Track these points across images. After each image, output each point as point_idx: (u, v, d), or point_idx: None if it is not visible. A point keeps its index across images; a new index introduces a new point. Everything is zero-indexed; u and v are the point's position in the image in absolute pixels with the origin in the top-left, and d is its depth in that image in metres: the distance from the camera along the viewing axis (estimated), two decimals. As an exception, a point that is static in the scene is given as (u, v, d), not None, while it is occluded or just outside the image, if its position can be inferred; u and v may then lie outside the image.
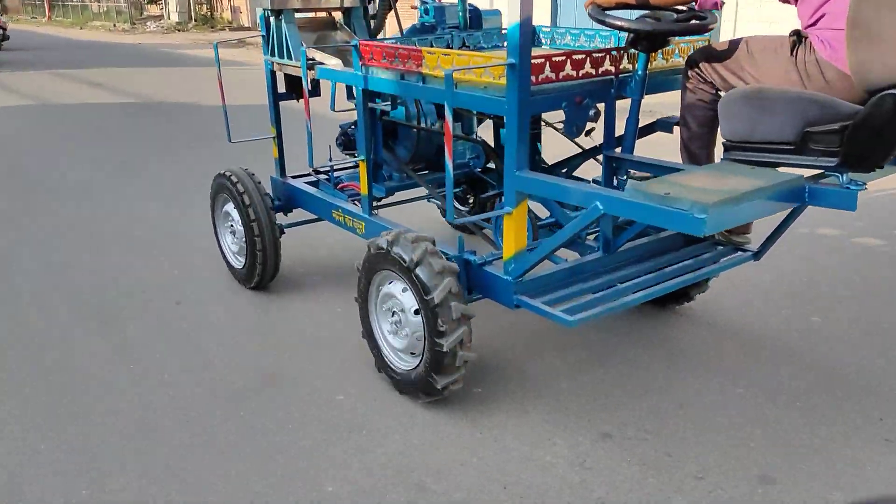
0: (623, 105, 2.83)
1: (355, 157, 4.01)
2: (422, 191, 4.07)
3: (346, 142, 4.04)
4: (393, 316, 2.95)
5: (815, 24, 2.51)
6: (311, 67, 3.52)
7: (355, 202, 3.71)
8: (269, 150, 4.09)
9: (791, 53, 2.54)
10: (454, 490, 2.46)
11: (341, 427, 2.82)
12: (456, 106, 2.63)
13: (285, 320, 3.76)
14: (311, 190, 3.92)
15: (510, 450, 2.65)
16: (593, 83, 2.74)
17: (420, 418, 2.86)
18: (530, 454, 2.62)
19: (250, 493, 2.47)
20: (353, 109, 3.82)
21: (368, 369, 3.16)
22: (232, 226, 4.10)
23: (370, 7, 4.00)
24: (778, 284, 3.98)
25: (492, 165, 3.94)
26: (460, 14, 3.88)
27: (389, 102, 3.50)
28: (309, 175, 4.02)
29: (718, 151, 2.72)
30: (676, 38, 2.87)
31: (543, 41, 3.82)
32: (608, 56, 2.74)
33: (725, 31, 10.40)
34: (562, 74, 2.64)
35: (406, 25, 4.01)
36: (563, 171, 3.54)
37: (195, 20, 27.65)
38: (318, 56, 3.53)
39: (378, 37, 4.10)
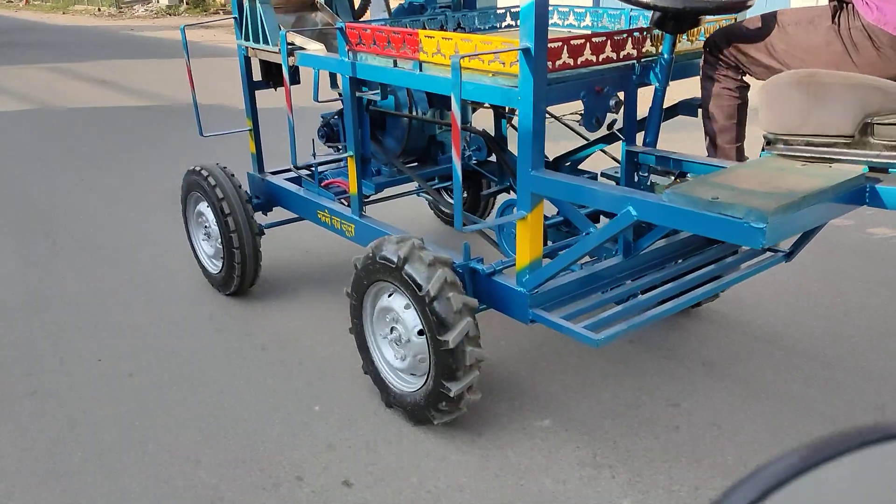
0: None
1: (339, 149, 3.68)
2: (410, 185, 3.75)
3: (330, 133, 3.71)
4: (392, 332, 2.65)
5: None
6: (290, 53, 3.18)
7: (342, 201, 3.39)
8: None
9: (832, 21, 2.25)
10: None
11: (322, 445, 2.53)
12: (463, 98, 2.31)
13: (267, 330, 3.44)
14: (293, 188, 3.59)
15: (512, 473, 2.38)
16: (615, 69, 2.44)
17: (406, 433, 2.57)
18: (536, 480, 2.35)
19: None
20: (338, 99, 3.49)
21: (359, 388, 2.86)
22: (206, 227, 3.76)
23: (354, -15, 3.66)
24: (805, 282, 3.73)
25: (493, 158, 3.62)
26: (453, -8, 3.56)
27: (379, 91, 3.17)
28: (290, 170, 3.68)
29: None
30: (707, 17, 2.57)
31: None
32: (630, 38, 2.44)
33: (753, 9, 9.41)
34: (580, 60, 2.33)
35: (392, 5, 3.68)
36: (567, 164, 3.24)
37: (187, 2, 24.52)
38: (299, 40, 3.18)
39: (362, 18, 3.76)
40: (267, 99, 3.89)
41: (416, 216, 4.71)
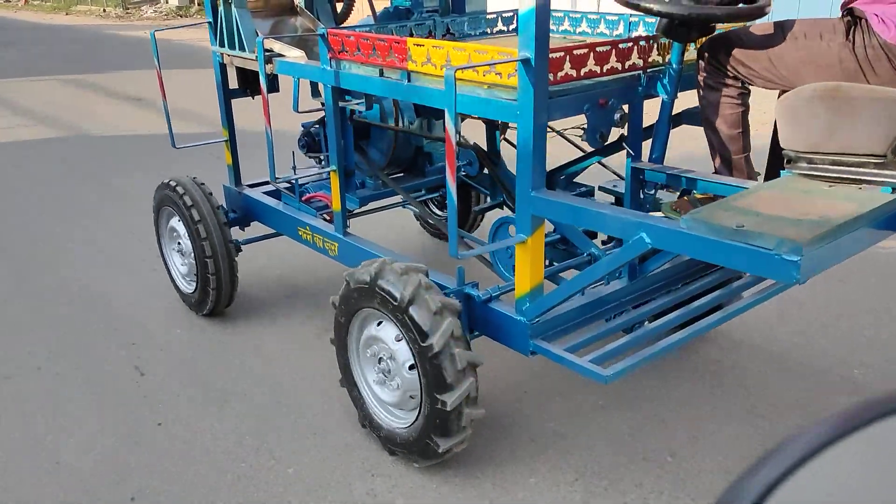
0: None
1: (321, 160, 3.48)
2: (396, 197, 3.55)
3: (311, 143, 3.50)
4: (381, 363, 2.45)
5: None
6: (268, 60, 2.97)
7: (325, 216, 3.19)
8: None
9: (846, 38, 2.09)
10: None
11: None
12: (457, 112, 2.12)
13: (244, 356, 3.23)
14: (272, 202, 3.38)
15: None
16: (620, 80, 2.26)
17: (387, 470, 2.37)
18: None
19: None
20: (320, 109, 3.29)
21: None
22: (179, 243, 3.54)
23: (336, -12, 3.46)
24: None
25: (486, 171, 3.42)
26: (440, -4, 3.37)
27: (363, 100, 2.98)
28: (269, 183, 3.46)
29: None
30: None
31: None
32: (636, 47, 2.26)
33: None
34: (583, 71, 2.15)
35: (377, 9, 3.47)
36: (562, 177, 3.04)
37: (199, 3, 21.83)
38: (277, 47, 2.98)
39: (345, 23, 3.56)
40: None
41: (402, 228, 4.51)
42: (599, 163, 2.90)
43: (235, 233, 3.51)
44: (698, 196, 2.34)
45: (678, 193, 2.50)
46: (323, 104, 3.10)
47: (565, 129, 2.77)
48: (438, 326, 2.17)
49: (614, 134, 2.37)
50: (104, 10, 23.55)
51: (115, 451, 2.62)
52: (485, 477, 2.42)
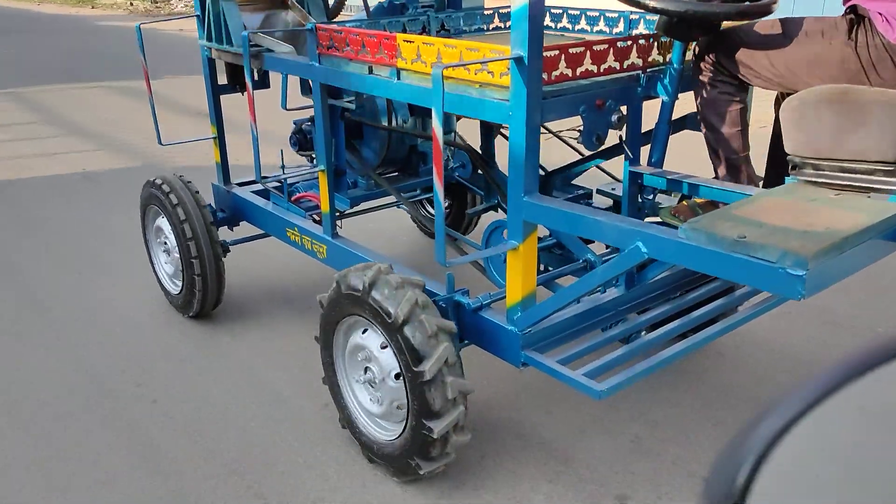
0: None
1: (313, 158, 3.38)
2: (389, 197, 3.44)
3: (303, 140, 3.40)
4: (367, 373, 2.36)
5: None
6: (256, 56, 2.88)
7: (314, 217, 3.09)
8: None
9: (849, 37, 1.99)
10: None
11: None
12: (445, 111, 2.03)
13: (230, 361, 3.14)
14: (261, 202, 3.28)
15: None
16: (618, 80, 2.16)
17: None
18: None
19: None
20: (310, 107, 3.19)
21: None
22: (165, 243, 3.45)
23: (328, -19, 3.36)
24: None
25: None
26: (436, -10, 3.27)
27: (353, 97, 2.88)
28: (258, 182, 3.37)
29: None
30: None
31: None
32: (635, 45, 2.16)
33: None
34: (580, 70, 2.05)
35: (371, 4, 3.37)
36: (559, 180, 2.94)
37: None
38: (265, 42, 2.88)
39: (338, 18, 3.46)
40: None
41: (398, 228, 4.42)
42: (597, 166, 2.81)
43: (225, 233, 3.42)
44: (699, 201, 2.24)
45: (678, 198, 2.41)
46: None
47: (560, 132, 2.67)
48: (433, 352, 2.07)
49: (612, 137, 2.28)
50: (132, 3, 21.80)
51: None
52: (474, 484, 2.33)
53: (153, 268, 3.61)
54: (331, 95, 2.76)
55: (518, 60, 1.84)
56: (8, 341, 3.33)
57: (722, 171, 2.30)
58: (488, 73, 1.99)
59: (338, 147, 3.00)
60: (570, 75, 2.03)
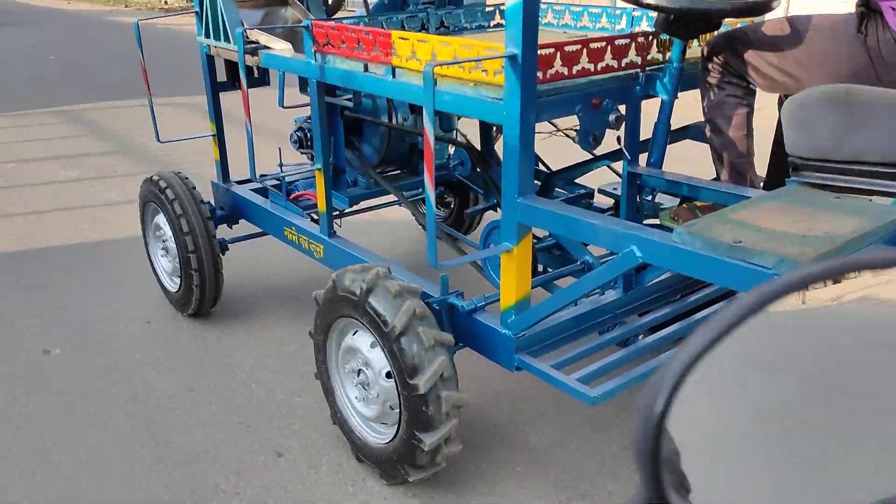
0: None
1: (313, 157, 3.34)
2: (390, 195, 3.40)
3: (303, 139, 3.37)
4: (360, 375, 2.33)
5: None
6: (253, 53, 2.85)
7: (313, 216, 3.06)
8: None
9: (858, 30, 1.94)
10: None
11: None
12: (437, 109, 1.99)
13: (228, 359, 3.12)
14: (259, 200, 3.25)
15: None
16: (615, 79, 2.12)
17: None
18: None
19: None
20: (307, 105, 3.16)
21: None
22: (164, 241, 3.43)
23: (328, -22, 3.32)
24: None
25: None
26: (436, -13, 3.22)
27: (351, 95, 2.84)
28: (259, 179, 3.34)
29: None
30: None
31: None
32: (634, 43, 2.12)
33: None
34: (576, 69, 2.01)
35: (371, 1, 3.34)
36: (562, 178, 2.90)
37: None
38: (263, 39, 2.85)
39: (338, 15, 3.43)
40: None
41: (400, 227, 4.38)
42: (608, 166, 2.75)
43: (224, 231, 3.39)
44: (699, 204, 2.19)
45: (680, 200, 2.36)
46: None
47: (556, 133, 2.63)
48: (429, 367, 2.03)
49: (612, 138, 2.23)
50: (165, 2, 19.97)
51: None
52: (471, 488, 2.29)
53: (152, 267, 3.59)
54: (328, 93, 2.72)
55: (512, 58, 1.80)
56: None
57: (725, 174, 2.25)
58: (483, 71, 1.95)
59: (337, 145, 2.97)
60: (566, 74, 1.99)
